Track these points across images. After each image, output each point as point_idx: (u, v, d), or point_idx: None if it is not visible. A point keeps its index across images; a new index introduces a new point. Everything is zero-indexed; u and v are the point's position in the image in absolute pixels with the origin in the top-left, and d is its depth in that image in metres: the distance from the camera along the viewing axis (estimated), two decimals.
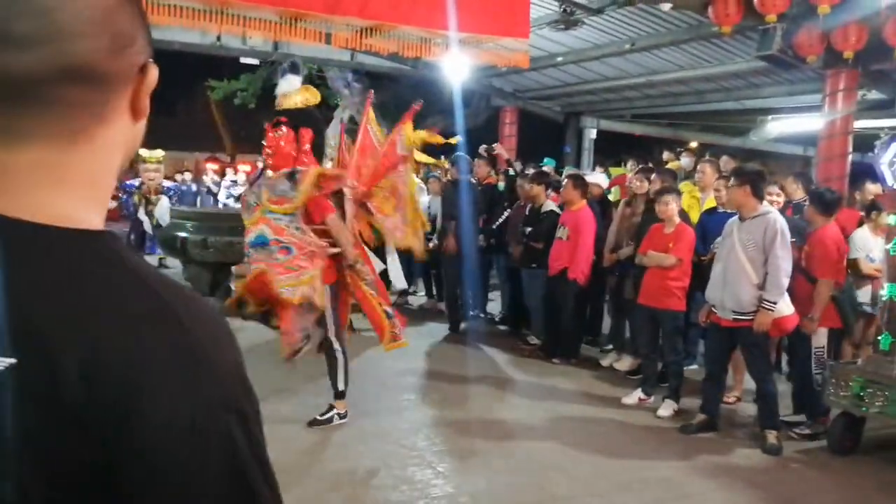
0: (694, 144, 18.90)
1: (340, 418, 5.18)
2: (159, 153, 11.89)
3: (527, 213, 7.87)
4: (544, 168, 11.53)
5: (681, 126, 16.36)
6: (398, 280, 6.79)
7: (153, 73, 0.79)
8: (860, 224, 6.58)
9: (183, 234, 7.94)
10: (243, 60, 13.12)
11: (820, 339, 5.52)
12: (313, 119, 5.47)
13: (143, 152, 11.63)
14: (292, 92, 5.27)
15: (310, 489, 4.19)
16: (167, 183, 12.09)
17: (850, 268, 5.95)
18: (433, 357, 7.24)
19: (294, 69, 5.36)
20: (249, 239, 4.96)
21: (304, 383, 5.80)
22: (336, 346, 5.10)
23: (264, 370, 6.18)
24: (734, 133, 16.26)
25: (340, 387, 5.16)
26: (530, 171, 9.49)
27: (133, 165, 18.09)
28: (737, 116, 14.94)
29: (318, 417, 5.15)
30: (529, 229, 7.67)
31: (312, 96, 5.46)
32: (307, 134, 5.19)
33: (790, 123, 12.86)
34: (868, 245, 6.23)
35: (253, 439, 0.72)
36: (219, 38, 10.71)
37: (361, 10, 7.10)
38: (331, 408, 5.17)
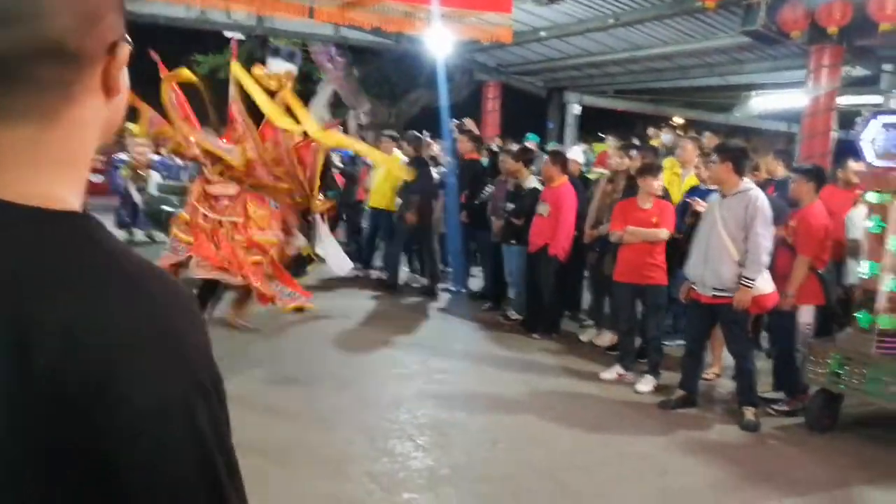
0: (680, 121, 18.95)
1: None
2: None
3: (509, 189, 7.83)
4: (527, 144, 11.51)
5: (664, 102, 16.31)
6: (338, 267, 6.90)
7: (124, 52, 0.78)
8: (855, 203, 6.55)
9: (168, 209, 7.86)
10: (227, 34, 12.91)
11: (806, 316, 5.54)
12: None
13: (131, 125, 11.40)
14: (281, 74, 5.51)
15: (291, 461, 4.17)
16: (154, 157, 11.85)
17: (850, 247, 5.90)
18: (415, 331, 7.22)
19: (290, 57, 5.52)
20: None
21: (281, 356, 5.77)
22: None
23: (244, 343, 6.17)
24: (718, 109, 16.25)
25: None
26: (513, 147, 9.46)
27: (121, 139, 17.87)
28: (720, 92, 14.91)
29: None
30: (511, 206, 7.63)
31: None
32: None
33: (774, 99, 12.86)
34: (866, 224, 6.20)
35: (218, 422, 0.73)
36: (203, 13, 10.58)
37: None
38: None
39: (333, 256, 7.00)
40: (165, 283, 0.75)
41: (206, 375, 0.73)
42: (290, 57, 5.55)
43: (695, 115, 17.05)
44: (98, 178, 16.88)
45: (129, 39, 0.80)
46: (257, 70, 5.52)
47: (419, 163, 8.83)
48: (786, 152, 7.75)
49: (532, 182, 7.62)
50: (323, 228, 6.90)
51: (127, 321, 0.68)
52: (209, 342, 0.76)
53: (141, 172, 11.25)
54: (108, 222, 11.21)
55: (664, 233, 5.95)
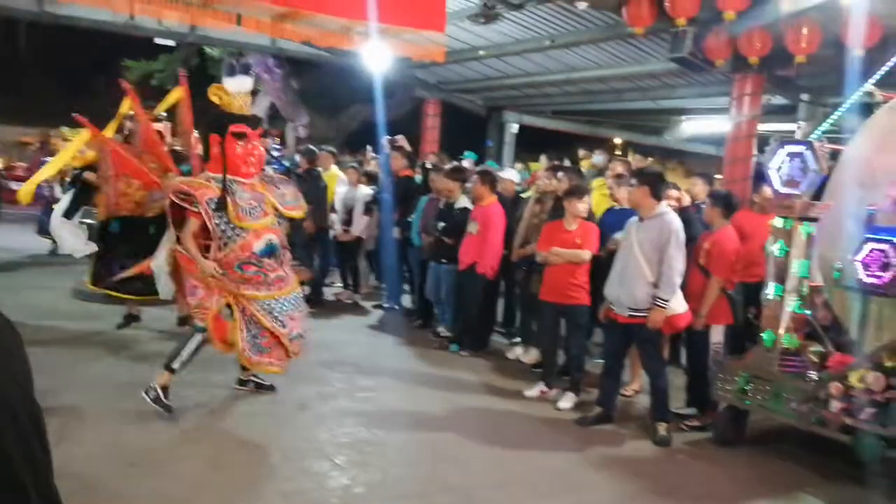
0: (619, 141, 19.40)
1: (157, 398, 4.99)
2: (84, 133, 11.24)
3: (441, 207, 7.92)
4: (464, 162, 11.64)
5: (600, 124, 16.69)
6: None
7: None
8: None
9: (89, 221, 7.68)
10: (158, 41, 12.76)
11: (716, 335, 5.75)
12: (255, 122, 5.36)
13: (66, 131, 10.97)
14: (242, 93, 5.18)
15: (205, 479, 4.16)
16: None
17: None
18: (343, 349, 7.20)
19: (246, 70, 5.24)
20: (258, 247, 5.01)
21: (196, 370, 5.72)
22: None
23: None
24: (651, 131, 16.70)
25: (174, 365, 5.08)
26: (448, 164, 9.58)
27: (45, 145, 17.37)
28: (653, 115, 15.33)
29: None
30: (442, 224, 7.72)
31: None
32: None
33: (702, 124, 13.27)
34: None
35: (28, 445, 0.76)
36: (132, 18, 10.38)
37: None
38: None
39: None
40: None
41: (15, 396, 0.76)
42: (245, 70, 5.21)
43: (630, 137, 17.49)
44: (20, 186, 16.44)
45: None
46: (218, 90, 5.12)
47: (312, 174, 9.06)
48: (707, 176, 8.00)
49: (463, 201, 7.73)
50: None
51: None
52: (25, 371, 0.79)
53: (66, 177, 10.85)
54: (30, 230, 10.94)
55: (586, 254, 6.09)
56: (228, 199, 4.94)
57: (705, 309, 5.59)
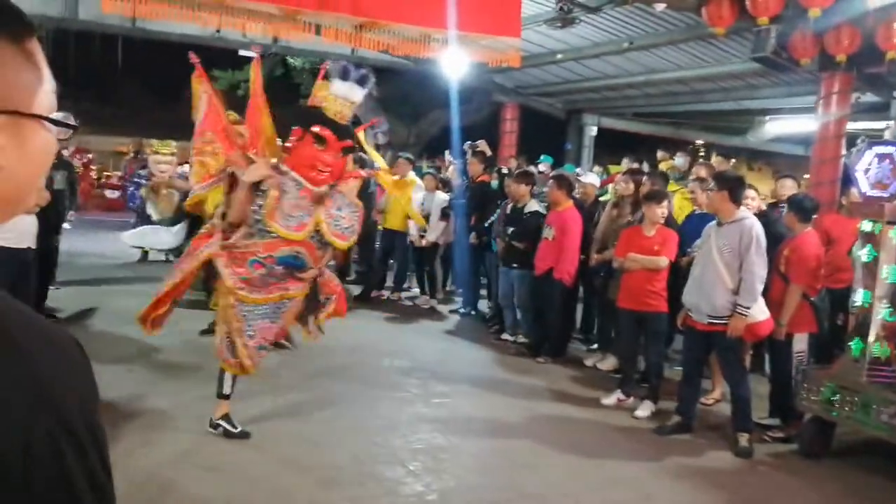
0: (700, 142, 18.96)
1: (226, 427, 4.85)
2: (171, 144, 10.78)
3: (508, 212, 7.94)
4: (541, 166, 11.62)
5: (682, 125, 16.35)
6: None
7: (23, 128, 0.82)
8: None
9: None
10: (242, 53, 13.17)
11: (799, 344, 5.58)
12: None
13: (155, 142, 11.22)
14: (344, 100, 4.73)
15: (276, 484, 4.27)
16: (180, 171, 11.37)
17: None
18: (419, 355, 7.29)
19: (362, 81, 4.76)
20: (281, 254, 4.64)
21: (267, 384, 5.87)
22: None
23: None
24: (734, 132, 16.25)
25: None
26: (527, 168, 9.58)
27: (138, 155, 18.07)
28: (736, 116, 14.92)
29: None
30: (512, 229, 7.73)
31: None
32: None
33: (787, 124, 12.84)
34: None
35: (89, 465, 0.78)
36: (218, 31, 10.75)
37: (354, 7, 7.16)
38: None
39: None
40: (41, 334, 0.80)
41: (79, 420, 0.78)
42: (361, 81, 4.75)
43: (712, 138, 17.06)
44: (114, 194, 17.22)
45: (37, 114, 0.84)
46: (322, 91, 4.74)
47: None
48: (794, 177, 7.76)
49: (533, 205, 7.72)
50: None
51: None
52: (87, 389, 0.82)
53: (161, 192, 10.99)
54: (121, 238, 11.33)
55: (663, 261, 6.00)
56: (273, 193, 4.56)
57: (786, 317, 5.43)
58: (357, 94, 4.78)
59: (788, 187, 7.38)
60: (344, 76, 4.71)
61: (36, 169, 0.87)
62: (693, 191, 6.94)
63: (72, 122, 5.68)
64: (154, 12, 7.64)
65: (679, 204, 7.82)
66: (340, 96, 4.71)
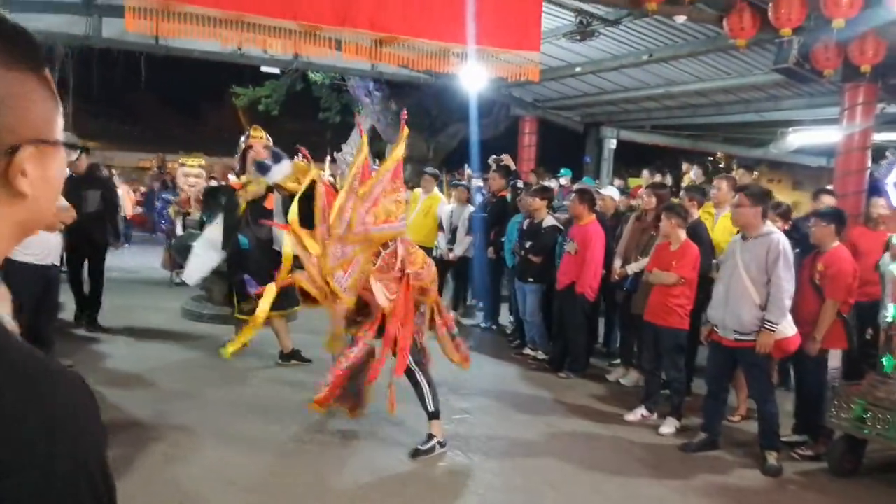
0: (719, 154, 18.83)
1: (441, 447, 5.04)
2: (199, 159, 10.94)
3: (524, 226, 7.90)
4: (561, 179, 11.58)
5: (701, 137, 16.22)
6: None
7: (21, 155, 0.81)
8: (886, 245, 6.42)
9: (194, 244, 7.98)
10: (264, 69, 13.28)
11: (833, 360, 5.46)
12: None
13: (183, 158, 11.16)
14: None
15: (302, 499, 4.24)
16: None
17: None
18: (439, 369, 7.18)
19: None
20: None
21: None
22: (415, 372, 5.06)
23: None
24: (756, 144, 16.09)
25: (430, 408, 5.06)
26: (549, 182, 9.55)
27: (165, 168, 18.19)
28: (758, 128, 14.79)
29: (420, 447, 4.99)
30: (529, 243, 7.69)
31: None
32: None
33: (811, 136, 12.70)
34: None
35: (100, 498, 0.80)
36: (239, 48, 10.82)
37: (373, 23, 7.19)
38: (430, 436, 5.04)
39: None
40: (53, 375, 0.80)
41: (92, 458, 0.79)
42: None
43: (733, 150, 16.91)
44: (137, 210, 17.33)
45: (58, 140, 0.85)
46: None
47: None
48: (830, 191, 7.61)
49: (549, 220, 7.69)
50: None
51: (14, 412, 0.74)
52: (101, 431, 0.83)
53: (191, 210, 10.08)
54: (157, 258, 11.32)
55: (671, 277, 5.91)
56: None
57: (820, 333, 5.31)
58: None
59: (828, 203, 7.15)
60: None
61: (54, 193, 0.88)
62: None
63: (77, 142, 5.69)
64: (176, 30, 7.68)
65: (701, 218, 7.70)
66: None
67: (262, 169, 6.18)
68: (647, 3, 7.47)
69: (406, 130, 5.33)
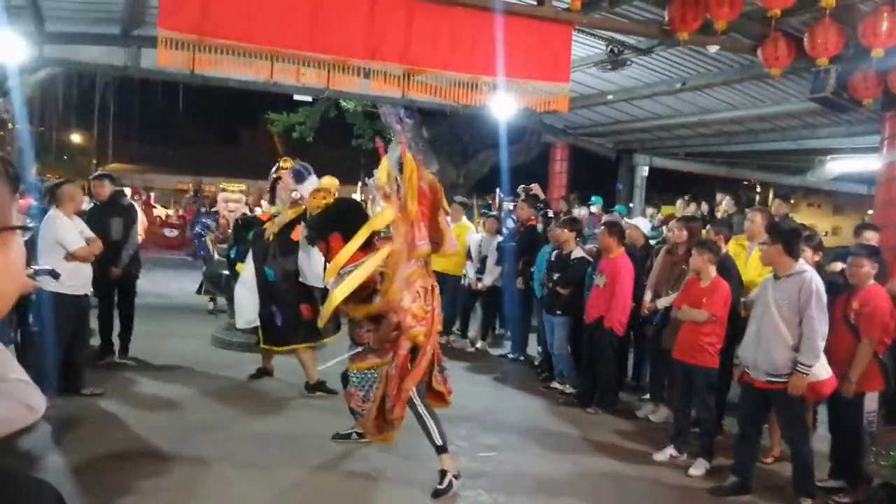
0: (755, 181, 18.53)
1: (456, 479, 4.95)
2: (240, 185, 11.08)
3: (552, 258, 7.81)
4: (592, 207, 11.48)
5: (737, 164, 16.00)
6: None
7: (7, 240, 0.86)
8: None
9: (225, 272, 8.05)
10: (296, 97, 13.44)
11: (870, 403, 5.27)
12: None
13: (224, 183, 11.24)
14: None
15: None
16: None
17: None
18: (467, 403, 7.11)
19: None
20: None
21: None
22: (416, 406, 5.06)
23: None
24: (793, 172, 15.82)
25: (437, 442, 5.00)
26: (580, 210, 9.47)
27: (202, 192, 18.43)
28: (795, 156, 14.54)
29: (439, 487, 4.89)
30: (558, 275, 7.60)
31: None
32: None
33: (850, 164, 12.45)
34: None
35: None
36: (272, 79, 10.93)
37: (402, 56, 7.22)
38: (443, 473, 4.96)
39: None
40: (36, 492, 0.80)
41: None
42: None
43: (770, 178, 16.64)
44: (173, 233, 17.60)
45: (14, 226, 0.87)
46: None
47: None
48: (874, 227, 7.41)
49: (578, 252, 7.60)
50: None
51: None
52: None
53: (226, 234, 9.64)
54: (194, 283, 11.40)
55: (702, 315, 5.79)
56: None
57: (856, 374, 5.13)
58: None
59: (870, 239, 6.91)
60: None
61: (14, 276, 0.89)
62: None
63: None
64: (209, 62, 7.77)
65: (734, 251, 7.52)
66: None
67: (300, 177, 6.88)
68: (679, 33, 7.40)
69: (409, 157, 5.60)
